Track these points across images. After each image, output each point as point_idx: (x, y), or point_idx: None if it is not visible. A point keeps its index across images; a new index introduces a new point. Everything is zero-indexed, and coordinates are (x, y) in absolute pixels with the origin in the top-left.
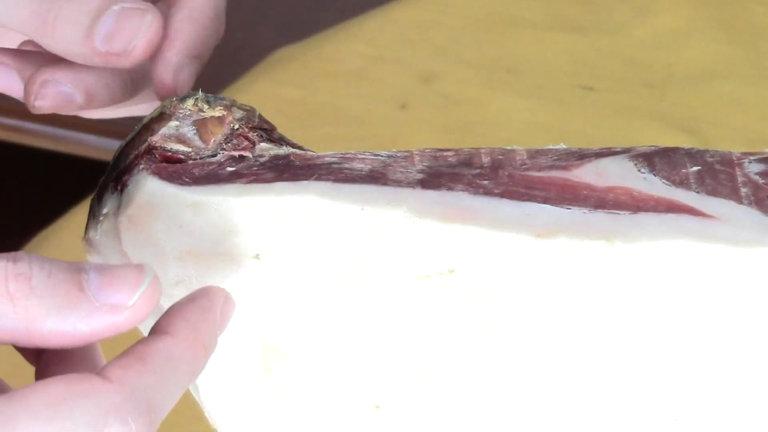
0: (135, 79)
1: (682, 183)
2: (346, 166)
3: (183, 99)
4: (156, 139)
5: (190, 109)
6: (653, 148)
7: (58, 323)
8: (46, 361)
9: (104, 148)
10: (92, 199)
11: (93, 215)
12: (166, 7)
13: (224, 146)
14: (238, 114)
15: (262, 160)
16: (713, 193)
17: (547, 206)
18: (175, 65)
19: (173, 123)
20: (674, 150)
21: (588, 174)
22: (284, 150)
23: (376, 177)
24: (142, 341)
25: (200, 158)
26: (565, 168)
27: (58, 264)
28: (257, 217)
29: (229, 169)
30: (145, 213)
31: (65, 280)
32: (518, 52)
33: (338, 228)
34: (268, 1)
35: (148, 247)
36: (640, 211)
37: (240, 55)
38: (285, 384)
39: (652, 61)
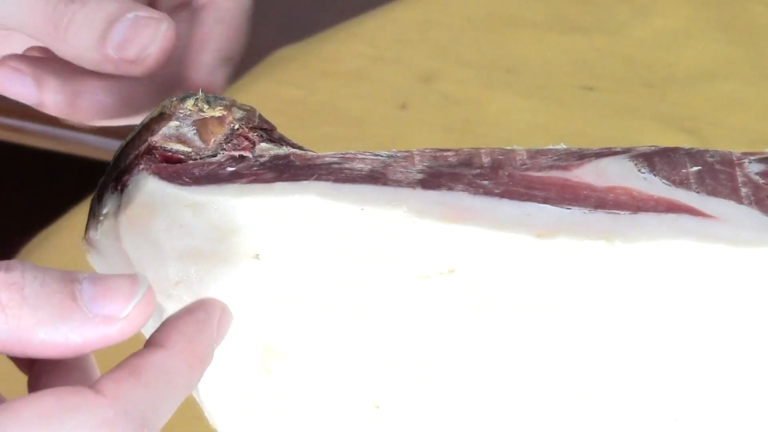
0: (166, 86)
1: (682, 183)
2: (347, 166)
3: (183, 99)
4: (156, 139)
5: (190, 109)
6: (653, 148)
7: (51, 334)
8: (39, 371)
9: (104, 148)
10: (92, 199)
11: (93, 215)
12: (191, 12)
13: (224, 146)
14: (238, 114)
15: (262, 160)
16: (713, 193)
17: (547, 206)
18: (209, 67)
19: (173, 123)
20: (674, 150)
21: (588, 174)
22: (284, 150)
23: (376, 177)
24: (137, 354)
25: (200, 158)
26: (565, 168)
27: (51, 273)
28: (257, 217)
29: (229, 169)
30: (145, 213)
31: (58, 290)
32: (518, 52)
33: (338, 228)
34: (268, 1)
35: (148, 247)
36: (640, 211)
37: None
38: (285, 384)
39: (652, 61)
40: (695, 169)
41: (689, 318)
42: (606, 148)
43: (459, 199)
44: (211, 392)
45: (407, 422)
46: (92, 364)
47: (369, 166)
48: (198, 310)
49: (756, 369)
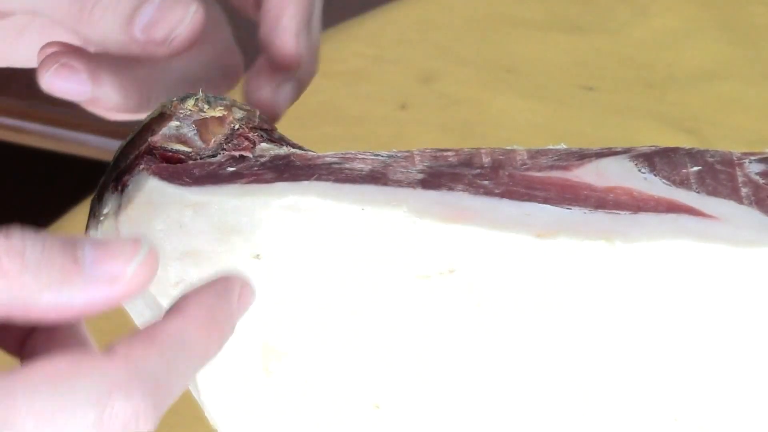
0: (221, 69)
1: (683, 183)
2: (347, 166)
3: (183, 99)
4: (156, 139)
5: (190, 109)
6: (653, 148)
7: (54, 297)
8: (31, 350)
9: (104, 148)
10: (92, 199)
11: (93, 215)
12: None
13: (224, 146)
14: (239, 114)
15: (263, 160)
16: (713, 193)
17: (548, 206)
18: (294, 30)
19: (174, 123)
20: (674, 150)
21: (588, 174)
22: (284, 150)
23: (377, 177)
24: (153, 323)
25: (200, 158)
26: (565, 168)
27: (52, 238)
28: (257, 217)
29: (230, 169)
30: (145, 213)
31: (59, 254)
32: (518, 52)
33: (338, 228)
34: None
35: None
36: (641, 211)
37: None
38: (285, 384)
39: (652, 61)
40: (695, 169)
41: (689, 318)
42: (606, 148)
43: (459, 199)
44: (211, 392)
45: (407, 422)
46: (90, 342)
47: (369, 166)
48: (217, 283)
49: (756, 369)
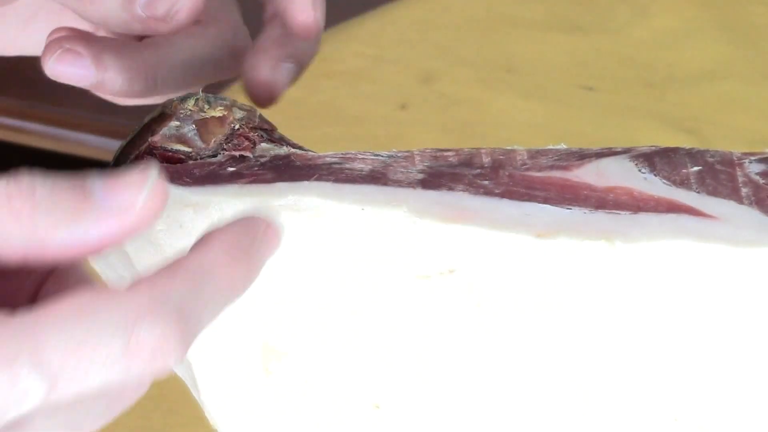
0: (227, 48)
1: (683, 183)
2: (347, 166)
3: (184, 99)
4: (156, 139)
5: (190, 109)
6: (653, 148)
7: (69, 233)
8: (44, 299)
9: (104, 148)
10: None
11: None
12: None
13: (225, 146)
14: (239, 114)
15: (263, 160)
16: (714, 193)
17: (548, 206)
18: (307, 2)
19: (174, 123)
20: (674, 150)
21: (588, 174)
22: (285, 150)
23: (377, 177)
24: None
25: (201, 158)
26: (565, 168)
27: (60, 178)
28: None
29: (230, 169)
30: None
31: (70, 191)
32: (518, 52)
33: (338, 228)
34: None
35: (149, 247)
36: (641, 211)
37: None
38: (285, 384)
39: (652, 61)
40: (696, 169)
41: (689, 318)
42: (606, 148)
43: (459, 199)
44: (212, 392)
45: (407, 422)
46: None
47: (369, 166)
48: (241, 220)
49: (756, 369)
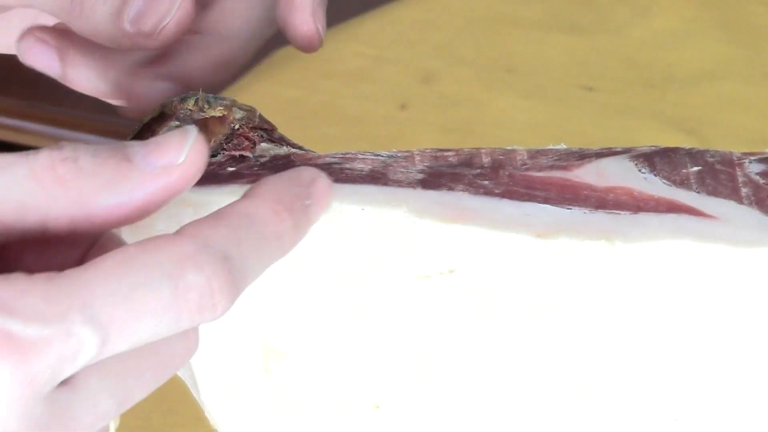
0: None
1: (683, 183)
2: (347, 166)
3: (184, 99)
4: None
5: (190, 109)
6: (653, 148)
7: (113, 197)
8: None
9: None
10: None
11: None
12: None
13: (225, 146)
14: (239, 114)
15: (263, 160)
16: (714, 193)
17: (548, 206)
18: (309, 9)
19: (174, 123)
20: (675, 150)
21: (588, 174)
22: (285, 150)
23: (377, 177)
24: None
25: None
26: (565, 168)
27: (101, 145)
28: None
29: (230, 169)
30: None
31: (111, 156)
32: (518, 52)
33: (338, 228)
34: None
35: None
36: (641, 211)
37: None
38: (285, 384)
39: (652, 61)
40: (696, 169)
41: (689, 318)
42: (606, 148)
43: (459, 199)
44: (212, 392)
45: (407, 422)
46: None
47: (369, 166)
48: (289, 171)
49: (756, 369)
